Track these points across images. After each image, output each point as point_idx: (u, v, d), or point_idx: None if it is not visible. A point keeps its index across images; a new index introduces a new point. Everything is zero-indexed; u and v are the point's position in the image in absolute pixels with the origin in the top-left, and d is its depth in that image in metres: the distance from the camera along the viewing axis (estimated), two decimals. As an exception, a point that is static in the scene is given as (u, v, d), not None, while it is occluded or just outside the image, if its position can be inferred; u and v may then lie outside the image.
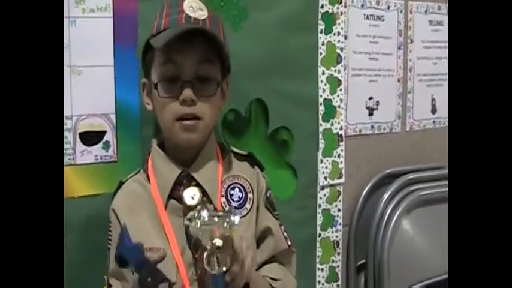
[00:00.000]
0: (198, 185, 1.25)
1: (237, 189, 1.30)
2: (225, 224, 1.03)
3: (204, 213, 1.04)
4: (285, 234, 1.37)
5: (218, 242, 1.02)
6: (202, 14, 1.23)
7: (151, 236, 1.21)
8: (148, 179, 1.28)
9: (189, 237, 1.22)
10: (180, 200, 1.24)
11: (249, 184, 1.32)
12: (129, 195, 1.28)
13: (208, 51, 1.22)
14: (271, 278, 1.28)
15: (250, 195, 1.31)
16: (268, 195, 1.37)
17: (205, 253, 1.05)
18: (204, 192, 1.24)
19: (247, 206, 1.30)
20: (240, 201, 1.29)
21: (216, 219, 1.04)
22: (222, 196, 1.27)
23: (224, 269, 1.04)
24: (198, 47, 1.21)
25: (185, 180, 1.25)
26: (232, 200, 1.28)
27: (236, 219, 1.04)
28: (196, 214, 1.05)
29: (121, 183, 1.31)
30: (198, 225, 1.04)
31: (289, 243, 1.36)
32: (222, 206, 1.25)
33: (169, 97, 1.21)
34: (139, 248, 1.03)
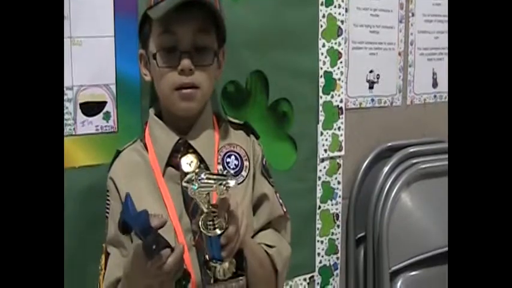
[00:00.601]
0: (195, 152, 1.26)
1: (233, 157, 1.32)
2: (222, 186, 1.03)
3: (202, 175, 1.05)
4: (280, 201, 1.38)
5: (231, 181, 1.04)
6: None
7: (149, 202, 1.22)
8: (146, 148, 1.29)
9: (186, 203, 1.23)
10: (177, 167, 1.25)
11: (245, 152, 1.34)
12: (127, 164, 1.29)
13: (205, 21, 1.23)
14: (267, 245, 1.29)
15: (246, 163, 1.33)
16: (263, 162, 1.38)
17: (202, 216, 1.06)
18: (201, 160, 1.26)
19: (244, 173, 1.32)
20: (236, 169, 1.30)
21: (213, 181, 1.05)
22: (219, 163, 1.29)
23: (219, 231, 1.05)
24: (195, 17, 1.22)
25: (182, 147, 1.26)
26: (229, 167, 1.30)
27: (232, 181, 1.04)
28: (194, 177, 1.05)
29: (118, 152, 1.32)
30: (196, 187, 1.04)
31: (285, 209, 1.38)
32: (218, 171, 1.26)
33: (167, 67, 1.22)
34: (144, 216, 1.03)
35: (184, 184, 1.07)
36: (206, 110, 1.32)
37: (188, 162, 1.24)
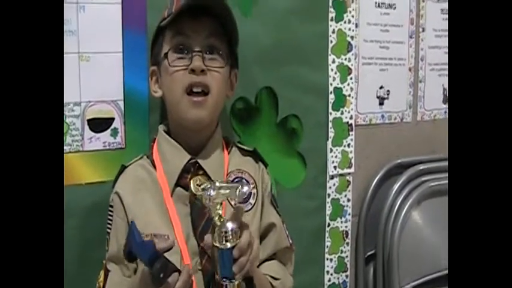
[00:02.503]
0: (205, 174, 1.25)
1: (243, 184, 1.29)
2: (237, 193, 1.04)
3: (217, 183, 1.06)
4: (287, 232, 1.37)
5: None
6: None
7: (156, 222, 1.21)
8: (153, 164, 1.27)
9: (194, 225, 1.22)
10: (186, 187, 1.23)
11: (253, 180, 1.32)
12: (133, 180, 1.27)
13: (218, 27, 1.24)
14: (271, 277, 1.29)
15: (254, 191, 1.31)
16: (272, 192, 1.37)
17: (215, 228, 1.06)
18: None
19: (252, 201, 1.30)
20: (245, 196, 1.26)
21: (227, 190, 1.06)
22: None
23: (231, 244, 1.05)
24: (208, 21, 1.23)
25: (192, 168, 1.25)
26: None
27: (245, 187, 1.06)
28: (210, 185, 1.06)
29: (124, 168, 1.31)
30: (212, 193, 1.05)
31: (290, 241, 1.37)
32: (227, 200, 1.23)
33: (179, 65, 1.21)
34: (150, 245, 1.03)
35: (199, 193, 1.07)
36: (217, 131, 1.31)
37: (198, 184, 1.23)
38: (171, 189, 1.23)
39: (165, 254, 1.07)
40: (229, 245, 1.05)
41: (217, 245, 1.05)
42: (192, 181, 1.23)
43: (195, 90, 1.21)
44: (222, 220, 1.06)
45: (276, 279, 1.29)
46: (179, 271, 1.06)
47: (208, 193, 1.05)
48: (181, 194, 1.24)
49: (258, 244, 1.25)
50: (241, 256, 1.05)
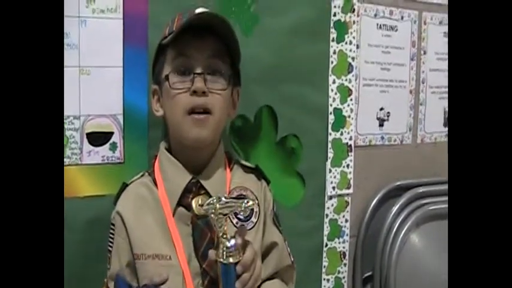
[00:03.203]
0: (206, 193, 1.24)
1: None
2: (243, 206, 1.06)
3: (223, 198, 1.07)
4: (288, 250, 1.37)
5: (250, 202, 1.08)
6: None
7: (157, 242, 1.21)
8: (155, 183, 1.26)
9: (196, 246, 1.21)
10: (188, 207, 1.23)
11: (255, 197, 1.31)
12: (134, 199, 1.27)
13: (220, 48, 1.24)
14: None
15: (256, 209, 1.29)
16: (274, 210, 1.37)
17: (219, 244, 1.07)
18: None
19: (253, 219, 1.28)
20: (247, 214, 1.25)
21: (233, 204, 1.07)
22: None
23: (232, 260, 1.06)
24: (210, 42, 1.22)
25: (194, 187, 1.24)
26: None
27: (251, 202, 1.07)
28: (215, 199, 1.07)
29: (125, 186, 1.30)
30: (218, 206, 1.06)
31: (292, 259, 1.37)
32: (229, 217, 1.23)
33: (180, 88, 1.21)
34: None
35: (205, 207, 1.07)
36: (219, 150, 1.30)
37: (200, 204, 1.22)
38: (172, 209, 1.22)
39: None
40: (232, 260, 1.05)
41: (221, 260, 1.06)
42: (194, 201, 1.23)
43: (196, 111, 1.20)
44: (225, 236, 1.07)
45: None
46: None
47: (214, 207, 1.06)
48: (183, 213, 1.23)
49: (260, 263, 1.24)
50: (244, 272, 1.06)
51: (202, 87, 1.19)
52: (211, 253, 1.08)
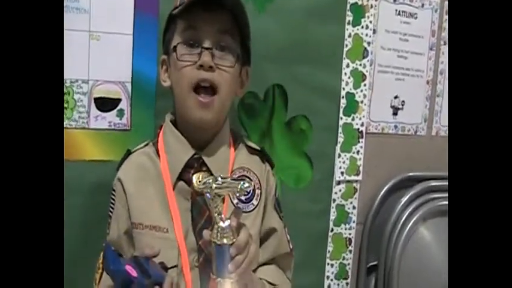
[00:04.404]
0: (208, 170, 1.23)
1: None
2: (239, 188, 1.04)
3: (219, 178, 1.05)
4: (288, 237, 1.35)
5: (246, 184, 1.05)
6: None
7: (156, 213, 1.21)
8: (158, 154, 1.26)
9: (194, 221, 1.21)
10: (189, 182, 1.22)
11: (258, 180, 1.29)
12: (137, 167, 1.27)
13: (230, 24, 1.22)
14: (268, 282, 1.27)
15: (257, 191, 1.28)
16: (276, 195, 1.35)
17: (214, 225, 1.06)
18: None
19: (254, 201, 1.27)
20: (248, 196, 1.26)
21: (229, 185, 1.05)
22: None
23: (225, 241, 1.05)
24: (221, 17, 1.20)
25: (196, 163, 1.23)
26: None
27: (247, 184, 1.04)
28: (212, 179, 1.06)
29: (129, 153, 1.30)
30: (214, 186, 1.04)
31: (291, 247, 1.35)
32: (229, 197, 1.24)
33: (187, 60, 1.19)
34: (122, 269, 1.05)
35: (201, 186, 1.06)
36: (224, 128, 1.29)
37: (200, 180, 1.21)
38: (173, 182, 1.22)
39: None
40: (226, 241, 1.04)
41: (215, 240, 1.05)
42: (194, 176, 1.22)
43: (202, 85, 1.19)
44: (221, 217, 1.06)
45: (273, 284, 1.28)
46: (160, 284, 1.07)
47: (210, 186, 1.05)
48: (183, 188, 1.22)
49: (257, 246, 1.23)
50: (238, 254, 1.05)
51: (209, 61, 1.17)
52: (206, 233, 1.07)
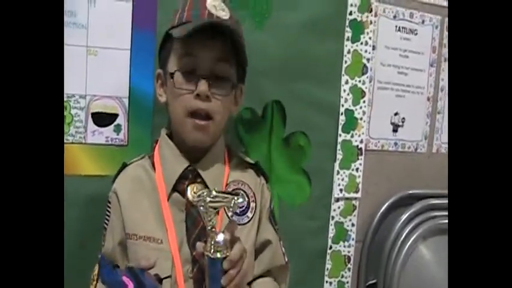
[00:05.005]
0: (203, 182, 1.24)
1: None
2: (232, 203, 1.04)
3: (214, 192, 1.06)
4: (283, 250, 1.35)
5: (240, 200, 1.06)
6: (224, 14, 1.23)
7: (150, 224, 1.21)
8: (153, 167, 1.27)
9: (189, 232, 1.21)
10: (183, 193, 1.22)
11: (253, 193, 1.30)
12: (132, 179, 1.27)
13: (228, 51, 1.22)
14: None
15: (252, 204, 1.29)
16: (271, 208, 1.35)
17: (208, 238, 1.06)
18: None
19: (249, 214, 1.28)
20: (242, 208, 1.26)
21: (223, 200, 1.06)
22: None
23: (221, 255, 1.05)
24: (218, 45, 1.20)
25: (191, 175, 1.24)
26: None
27: (241, 199, 1.05)
28: (206, 192, 1.06)
29: (124, 166, 1.31)
30: (208, 200, 1.05)
31: (286, 259, 1.34)
32: (224, 210, 1.23)
33: (184, 89, 1.20)
34: (118, 280, 1.06)
35: (196, 199, 1.07)
36: (219, 142, 1.30)
37: (195, 191, 1.22)
38: (167, 193, 1.23)
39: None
40: (219, 255, 1.05)
41: (208, 254, 1.05)
42: (189, 188, 1.22)
43: (198, 112, 1.21)
44: (214, 230, 1.06)
45: None
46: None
47: (204, 200, 1.05)
48: (177, 199, 1.23)
49: (252, 260, 1.23)
50: (231, 268, 1.05)
51: (205, 91, 1.18)
52: (199, 245, 1.08)
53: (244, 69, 1.30)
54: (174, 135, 1.29)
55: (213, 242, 1.05)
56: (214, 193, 1.06)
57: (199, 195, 1.07)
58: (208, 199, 1.05)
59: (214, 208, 1.06)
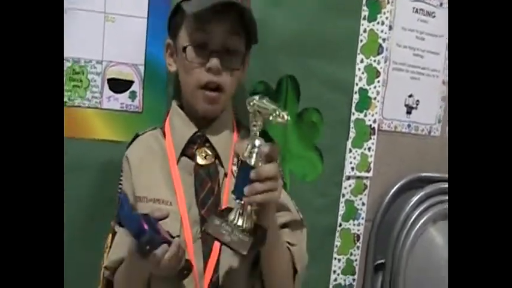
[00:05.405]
0: (211, 147, 1.27)
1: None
2: (272, 111, 1.02)
3: (267, 98, 1.04)
4: (296, 207, 1.34)
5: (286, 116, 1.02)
6: None
7: (159, 187, 1.24)
8: (164, 135, 1.31)
9: (197, 195, 1.23)
10: (192, 157, 1.26)
11: None
12: (143, 147, 1.32)
13: (238, 25, 1.25)
14: (287, 242, 1.26)
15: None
16: (280, 170, 1.35)
17: (249, 142, 1.05)
18: (216, 156, 1.27)
19: None
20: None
21: (268, 105, 1.03)
22: (234, 165, 1.27)
23: (249, 161, 1.04)
24: (229, 19, 1.23)
25: (199, 140, 1.28)
26: None
27: (286, 117, 1.02)
28: (258, 97, 1.05)
29: (136, 136, 1.35)
30: (254, 102, 1.04)
31: (301, 216, 1.34)
32: (233, 174, 1.25)
33: (196, 63, 1.24)
34: (137, 221, 1.05)
35: (248, 99, 1.06)
36: (227, 110, 1.33)
37: (203, 155, 1.26)
38: (177, 157, 1.26)
39: (167, 222, 1.11)
40: (249, 161, 1.04)
41: (241, 157, 1.06)
42: (197, 151, 1.27)
43: (209, 86, 1.24)
44: (256, 135, 1.06)
45: (291, 244, 1.27)
46: (169, 242, 1.07)
47: (252, 101, 1.04)
48: (186, 163, 1.26)
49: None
50: (257, 181, 1.04)
51: (217, 65, 1.22)
52: (238, 147, 1.11)
53: (253, 38, 1.31)
54: (184, 106, 1.33)
55: (249, 146, 1.04)
56: (266, 98, 1.04)
57: (250, 99, 1.05)
58: (255, 102, 1.04)
59: (260, 111, 1.04)
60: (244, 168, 1.05)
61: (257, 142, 1.05)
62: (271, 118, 1.03)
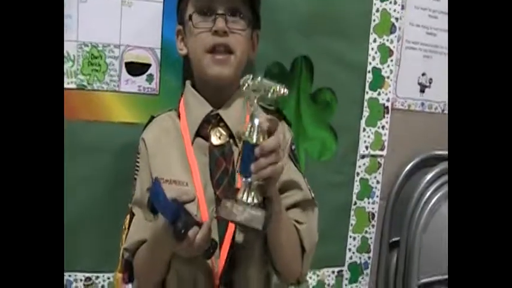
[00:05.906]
0: (225, 126, 1.28)
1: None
2: (271, 90, 1.03)
3: (259, 78, 1.06)
4: (308, 186, 1.34)
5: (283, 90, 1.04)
6: None
7: (175, 168, 1.26)
8: (179, 117, 1.32)
9: (212, 174, 1.25)
10: (206, 138, 1.27)
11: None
12: (159, 128, 1.33)
13: None
14: (296, 221, 1.27)
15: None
16: (292, 148, 1.36)
17: (249, 122, 1.07)
18: (230, 135, 1.28)
19: None
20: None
21: (266, 84, 1.05)
22: None
23: (250, 140, 1.05)
24: None
25: (213, 119, 1.28)
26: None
27: (284, 90, 1.04)
28: (250, 79, 1.06)
29: (152, 118, 1.36)
30: (250, 83, 1.05)
31: (313, 195, 1.34)
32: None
33: (202, 27, 1.25)
34: (173, 205, 1.07)
35: (241, 81, 1.07)
36: (240, 89, 1.32)
37: (218, 135, 1.27)
38: (191, 138, 1.27)
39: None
40: (250, 139, 1.05)
41: (243, 137, 1.07)
42: (212, 132, 1.28)
43: (217, 49, 1.25)
44: (254, 115, 1.06)
45: (300, 223, 1.27)
46: (199, 224, 1.09)
47: (246, 82, 1.06)
48: (201, 143, 1.27)
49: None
50: (262, 156, 1.05)
51: (223, 27, 1.23)
52: (239, 129, 1.11)
53: (257, 11, 1.33)
54: (196, 81, 1.34)
55: (249, 126, 1.06)
56: (259, 79, 1.06)
57: (244, 79, 1.07)
58: (250, 82, 1.05)
59: (256, 90, 1.05)
60: (247, 146, 1.06)
61: (256, 121, 1.06)
62: (269, 95, 1.05)
